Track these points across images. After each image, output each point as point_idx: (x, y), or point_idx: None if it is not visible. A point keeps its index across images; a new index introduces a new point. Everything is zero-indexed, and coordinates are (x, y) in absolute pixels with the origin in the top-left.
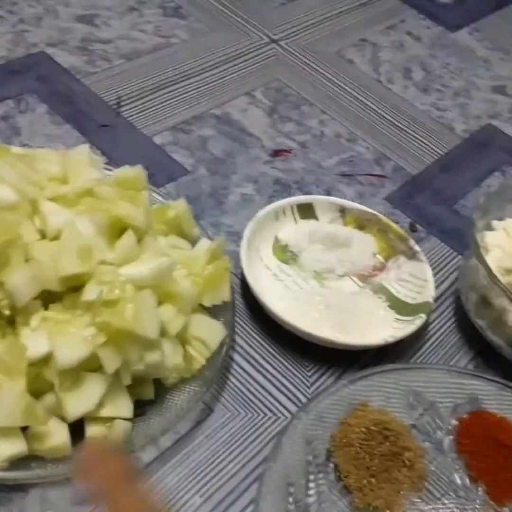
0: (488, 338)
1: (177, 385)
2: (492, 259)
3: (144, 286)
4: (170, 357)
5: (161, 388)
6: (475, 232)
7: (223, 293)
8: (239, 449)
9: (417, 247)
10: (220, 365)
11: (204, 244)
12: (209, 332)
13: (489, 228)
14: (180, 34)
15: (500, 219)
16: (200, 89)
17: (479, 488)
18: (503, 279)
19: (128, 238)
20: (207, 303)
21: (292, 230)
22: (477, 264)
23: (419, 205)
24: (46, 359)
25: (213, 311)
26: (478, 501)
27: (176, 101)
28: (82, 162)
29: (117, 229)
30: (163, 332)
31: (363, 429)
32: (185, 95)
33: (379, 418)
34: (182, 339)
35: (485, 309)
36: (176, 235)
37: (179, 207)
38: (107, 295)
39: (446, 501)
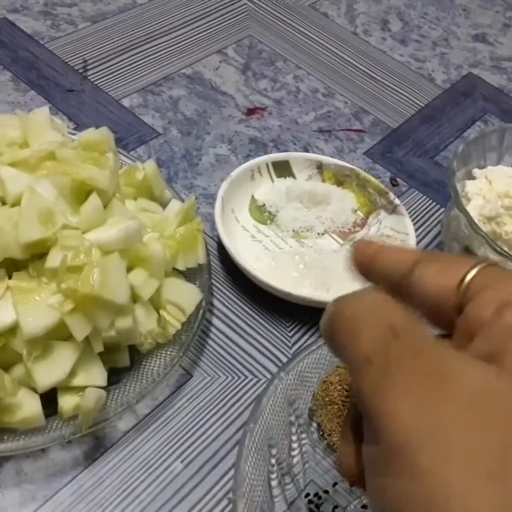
0: None
1: (153, 351)
2: (474, 208)
3: (111, 251)
4: (144, 322)
5: (137, 355)
6: (454, 181)
7: (197, 256)
8: (219, 413)
9: (397, 201)
10: (197, 329)
11: (175, 205)
12: (184, 296)
13: (470, 177)
14: None
15: (481, 167)
16: (169, 49)
17: None
18: (485, 227)
19: (93, 201)
20: (181, 266)
21: (269, 189)
22: (459, 214)
23: (399, 158)
24: (13, 329)
25: (189, 275)
26: None
27: (144, 62)
28: (43, 125)
29: (82, 194)
30: (135, 298)
31: (345, 386)
32: (154, 56)
33: None
34: (156, 304)
35: None
36: (146, 198)
37: (147, 169)
38: (71, 260)
39: None
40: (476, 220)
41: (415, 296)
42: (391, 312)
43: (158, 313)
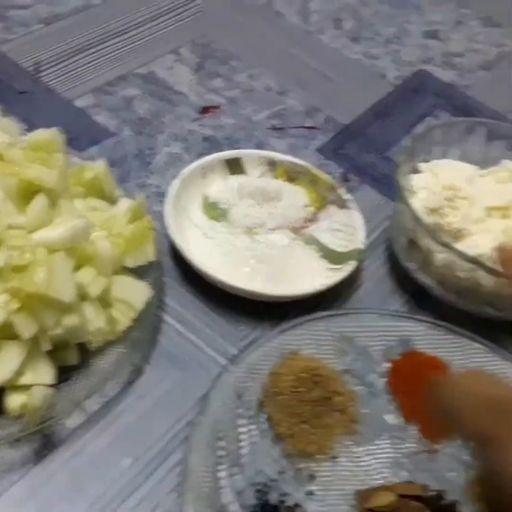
0: (418, 280)
1: (103, 349)
2: (418, 201)
3: (58, 250)
4: (92, 320)
5: (87, 353)
6: (399, 175)
7: (147, 253)
8: (170, 408)
9: (346, 196)
10: (148, 326)
11: (124, 204)
12: (133, 293)
13: (417, 171)
14: None
15: (427, 161)
16: (123, 49)
17: (413, 427)
18: (428, 219)
19: (39, 201)
20: (130, 264)
21: (222, 187)
22: (404, 207)
23: (351, 154)
24: None
25: (139, 272)
26: (411, 440)
27: (98, 62)
28: None
29: (29, 194)
30: (83, 296)
31: (293, 377)
32: (107, 56)
33: (309, 364)
34: (104, 301)
35: (413, 252)
36: (97, 197)
37: (97, 168)
38: (17, 260)
39: (379, 442)
40: (420, 212)
41: None
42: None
43: (108, 310)
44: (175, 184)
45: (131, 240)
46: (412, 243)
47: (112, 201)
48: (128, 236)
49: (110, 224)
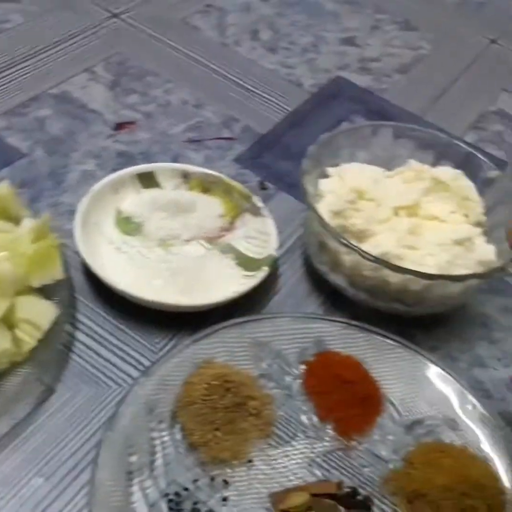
0: (331, 282)
1: (10, 370)
2: (325, 205)
3: None
4: None
5: None
6: (305, 181)
7: (53, 272)
8: (82, 425)
9: (260, 203)
10: (56, 345)
11: (27, 224)
12: (38, 313)
13: (325, 175)
14: (15, 18)
15: (335, 165)
16: (36, 70)
17: (328, 426)
18: (333, 222)
19: None
20: (35, 283)
21: (135, 201)
22: (311, 211)
23: (268, 163)
24: None
25: (47, 291)
26: (327, 438)
27: (10, 85)
28: None
29: None
30: None
31: (205, 385)
32: (20, 79)
33: (221, 371)
34: (9, 322)
35: (324, 254)
36: (2, 219)
37: (1, 190)
38: None
39: (295, 443)
40: (326, 216)
41: None
42: None
43: (12, 331)
44: (84, 201)
45: (34, 260)
46: (322, 246)
47: (18, 222)
48: (31, 255)
49: (14, 245)
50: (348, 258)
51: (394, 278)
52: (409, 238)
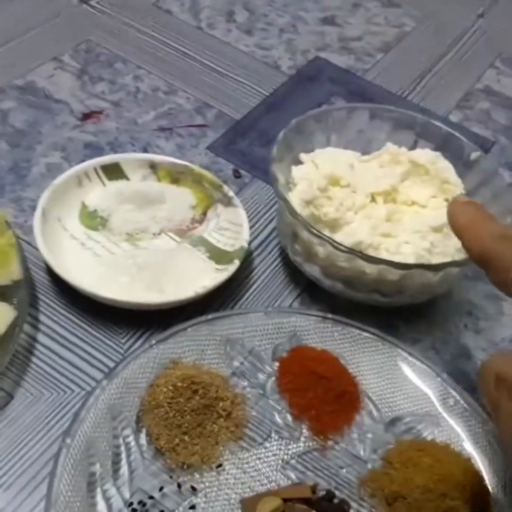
0: (306, 274)
1: None
2: (297, 193)
3: None
4: None
5: None
6: (274, 167)
7: (9, 272)
8: (43, 432)
9: (231, 193)
10: (12, 349)
11: None
12: None
13: (298, 162)
14: None
15: (309, 151)
16: (0, 61)
17: (303, 425)
18: (304, 211)
19: None
20: None
21: (100, 194)
22: (281, 201)
23: (243, 149)
24: None
25: (4, 293)
26: (302, 439)
27: None
28: None
29: None
30: None
31: (170, 387)
32: None
33: (187, 373)
34: None
35: (297, 245)
36: None
37: None
38: None
39: (268, 445)
40: (297, 205)
41: None
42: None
43: None
44: (45, 195)
45: None
46: (296, 237)
47: None
48: None
49: None
50: (321, 249)
51: (370, 268)
52: (385, 225)
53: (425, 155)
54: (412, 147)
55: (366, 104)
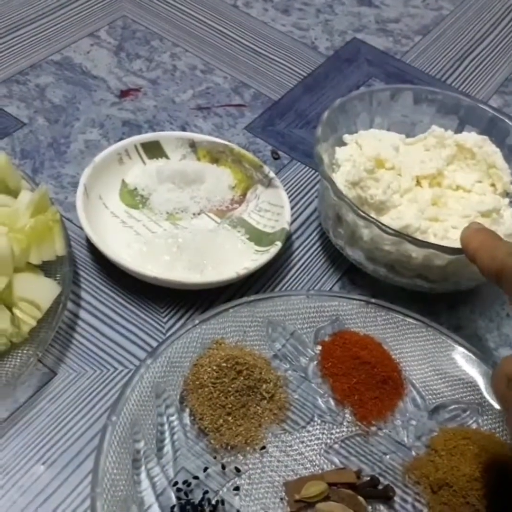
0: (349, 257)
1: (9, 351)
2: (342, 175)
3: None
4: None
5: None
6: (319, 149)
7: (53, 248)
8: (86, 409)
9: (272, 174)
10: (56, 325)
11: (25, 197)
12: (39, 291)
13: (342, 143)
14: None
15: (352, 132)
16: (36, 36)
17: (345, 410)
18: (350, 193)
19: None
20: (35, 260)
21: (140, 172)
22: (326, 182)
23: (281, 131)
24: None
25: (48, 268)
26: (345, 424)
27: (9, 52)
28: None
29: None
30: None
31: (215, 368)
32: (18, 45)
33: (231, 353)
34: (7, 302)
35: (341, 228)
36: (0, 192)
37: None
38: None
39: (311, 429)
40: (342, 187)
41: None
42: None
43: (11, 311)
44: (86, 172)
45: (32, 235)
46: (339, 219)
47: (17, 194)
48: (29, 231)
49: (12, 219)
50: (366, 231)
51: (416, 252)
52: (431, 209)
53: (472, 138)
54: (457, 130)
55: (410, 85)
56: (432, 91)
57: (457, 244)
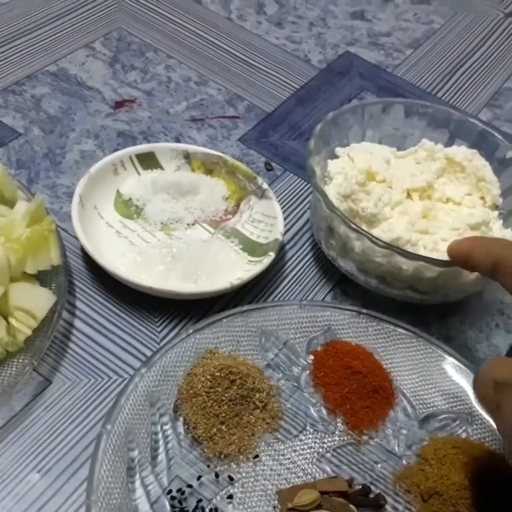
0: (341, 268)
1: (4, 360)
2: (334, 187)
3: None
4: None
5: None
6: (311, 162)
7: (49, 257)
8: (80, 418)
9: (265, 185)
10: (51, 334)
11: (21, 207)
12: (34, 300)
13: (334, 156)
14: None
15: (345, 145)
16: (32, 47)
17: (337, 419)
18: (341, 205)
19: None
20: (31, 270)
21: (135, 183)
22: (318, 194)
23: (274, 142)
24: None
25: (43, 278)
26: (337, 433)
27: (5, 63)
28: None
29: None
30: None
31: (208, 377)
32: (14, 56)
33: (224, 363)
34: (3, 311)
35: (333, 239)
36: None
37: None
38: None
39: (303, 438)
40: (334, 199)
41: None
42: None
43: (7, 320)
44: (82, 183)
45: (28, 245)
46: (331, 231)
47: (13, 204)
48: (25, 241)
49: (8, 229)
50: (358, 243)
51: (407, 264)
52: (422, 222)
53: (462, 152)
54: (447, 144)
55: (402, 99)
56: (423, 104)
57: (446, 256)
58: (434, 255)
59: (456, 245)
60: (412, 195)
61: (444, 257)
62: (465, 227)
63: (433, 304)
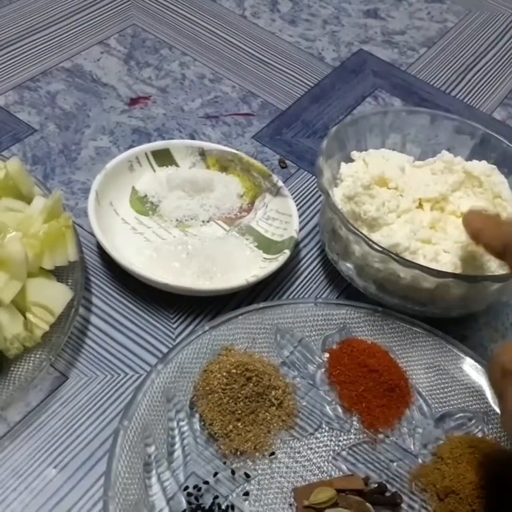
0: (342, 272)
1: (21, 355)
2: (341, 189)
3: None
4: (8, 327)
5: (5, 361)
6: (320, 161)
7: (66, 253)
8: (97, 413)
9: (280, 183)
10: (68, 330)
11: (38, 203)
12: (51, 296)
13: (349, 159)
14: None
15: (362, 150)
16: (47, 43)
17: (353, 418)
18: (345, 207)
19: None
20: (48, 265)
21: (150, 180)
22: (324, 195)
23: (288, 140)
24: None
25: (60, 273)
26: (352, 431)
27: (21, 58)
28: None
29: None
30: None
31: (224, 374)
32: (30, 52)
33: (240, 360)
34: (21, 306)
35: (335, 242)
36: (12, 197)
37: (10, 167)
38: None
39: (319, 435)
40: (339, 201)
41: None
42: None
43: (24, 315)
44: (98, 179)
45: (46, 241)
46: (334, 233)
47: (29, 200)
48: (42, 236)
49: (26, 225)
50: (357, 247)
51: (404, 272)
52: (426, 231)
53: (481, 166)
54: (469, 157)
55: (427, 109)
56: (449, 116)
57: (446, 268)
58: (433, 265)
59: (471, 219)
60: (423, 205)
61: (443, 268)
62: (469, 240)
63: (433, 316)
